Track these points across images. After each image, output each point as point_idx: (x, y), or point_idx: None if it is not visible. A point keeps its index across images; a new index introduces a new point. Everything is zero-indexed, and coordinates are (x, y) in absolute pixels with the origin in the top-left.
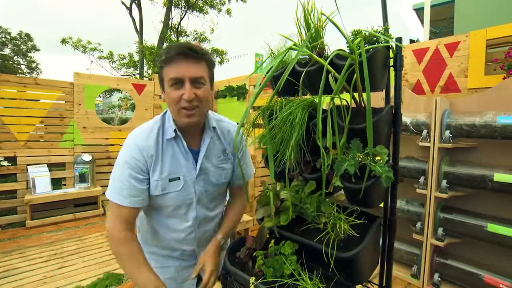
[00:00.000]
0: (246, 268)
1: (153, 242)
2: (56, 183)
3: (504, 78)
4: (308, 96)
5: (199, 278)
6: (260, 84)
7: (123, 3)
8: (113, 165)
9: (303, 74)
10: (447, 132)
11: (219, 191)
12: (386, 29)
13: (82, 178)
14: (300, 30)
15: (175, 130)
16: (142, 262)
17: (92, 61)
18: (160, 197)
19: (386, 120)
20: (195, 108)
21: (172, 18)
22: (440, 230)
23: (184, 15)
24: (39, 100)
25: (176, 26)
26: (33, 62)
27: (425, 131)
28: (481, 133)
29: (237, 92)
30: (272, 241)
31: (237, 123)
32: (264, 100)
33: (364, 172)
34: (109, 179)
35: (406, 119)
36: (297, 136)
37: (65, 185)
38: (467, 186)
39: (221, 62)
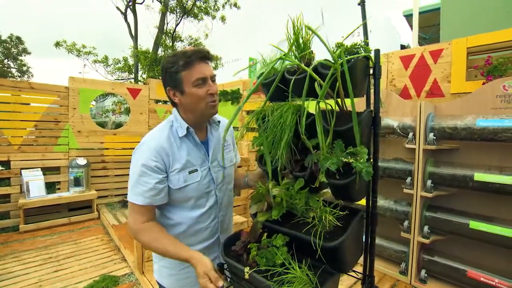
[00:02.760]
0: (241, 260)
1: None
2: (50, 187)
3: (483, 84)
4: (297, 101)
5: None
6: (252, 88)
7: (118, 8)
8: (107, 169)
9: (292, 81)
10: (431, 135)
11: (230, 173)
12: (366, 43)
13: (77, 182)
14: (290, 42)
15: (187, 128)
16: (172, 240)
17: (85, 65)
18: (183, 189)
19: (366, 123)
20: (216, 100)
21: (168, 23)
22: (426, 228)
23: (180, 21)
24: (29, 104)
25: (172, 32)
26: (24, 65)
27: (411, 134)
28: (462, 135)
29: (231, 96)
30: (265, 234)
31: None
32: (255, 104)
33: (347, 169)
34: (104, 183)
35: (394, 122)
36: (287, 138)
37: (59, 189)
38: (450, 185)
39: (215, 68)
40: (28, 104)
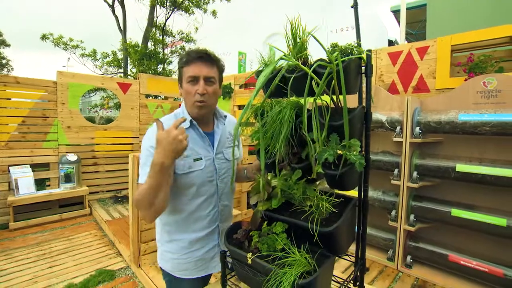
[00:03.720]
0: (242, 247)
1: (180, 229)
2: (40, 184)
3: (465, 80)
4: (294, 98)
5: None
6: (243, 81)
7: (105, 1)
8: (98, 164)
9: (291, 79)
10: (417, 128)
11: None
12: (359, 44)
13: (67, 178)
14: (288, 42)
15: (190, 121)
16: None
17: (69, 58)
18: (186, 175)
19: (358, 118)
20: (205, 102)
21: (157, 17)
22: (412, 217)
23: (170, 14)
24: (10, 99)
25: (162, 26)
26: (3, 58)
27: (398, 128)
28: (446, 129)
29: (223, 91)
30: (265, 223)
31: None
32: (247, 99)
33: (341, 161)
34: (95, 179)
35: (382, 117)
36: (286, 132)
37: (49, 185)
38: (435, 176)
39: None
40: (9, 99)
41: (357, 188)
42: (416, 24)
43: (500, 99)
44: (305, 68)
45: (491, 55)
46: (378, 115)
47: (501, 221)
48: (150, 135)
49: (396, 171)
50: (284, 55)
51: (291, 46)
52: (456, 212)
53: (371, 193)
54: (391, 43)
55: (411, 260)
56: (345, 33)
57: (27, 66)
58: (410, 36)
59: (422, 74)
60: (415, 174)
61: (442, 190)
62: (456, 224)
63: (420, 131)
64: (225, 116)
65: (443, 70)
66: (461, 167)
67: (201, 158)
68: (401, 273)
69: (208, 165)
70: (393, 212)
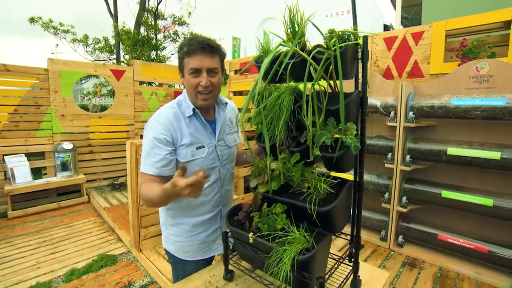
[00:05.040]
0: (244, 228)
1: (183, 213)
2: (36, 172)
3: (459, 65)
4: (293, 83)
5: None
6: (244, 68)
7: None
8: (94, 152)
9: (290, 65)
10: (411, 113)
11: (233, 152)
12: (355, 29)
13: (64, 167)
14: (287, 28)
15: (193, 109)
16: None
17: (57, 45)
18: (189, 163)
19: (355, 102)
20: (210, 93)
21: (149, 1)
22: (404, 199)
23: None
24: (6, 87)
25: (154, 10)
26: None
27: (392, 113)
28: (438, 113)
29: None
30: (265, 204)
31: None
32: (246, 85)
33: (337, 144)
34: (92, 166)
35: (377, 102)
36: (285, 117)
37: (45, 174)
38: (427, 159)
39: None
40: (5, 87)
41: (353, 170)
42: (412, 8)
43: (491, 83)
44: (304, 54)
45: (484, 40)
46: (373, 100)
47: (488, 201)
48: (153, 125)
49: (390, 155)
50: (283, 41)
51: (289, 32)
52: (446, 193)
53: (366, 177)
54: (386, 27)
55: (403, 240)
56: (341, 18)
57: (14, 54)
58: (406, 21)
59: (417, 59)
60: (408, 157)
61: (433, 172)
62: (446, 205)
63: (414, 116)
64: (226, 103)
65: (438, 55)
66: (452, 151)
67: (203, 146)
68: (393, 252)
69: (211, 152)
70: (386, 195)
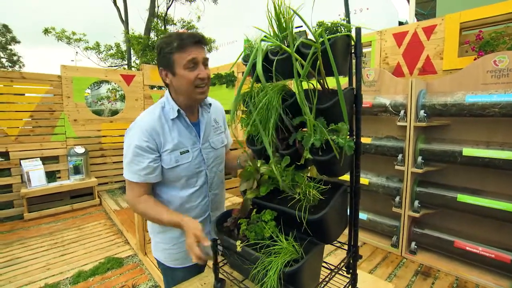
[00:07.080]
0: (232, 235)
1: None
2: (51, 176)
3: (475, 59)
4: (280, 82)
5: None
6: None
7: None
8: (106, 156)
9: (275, 61)
10: (422, 112)
11: (221, 154)
12: (348, 21)
13: (76, 170)
14: (271, 22)
15: (178, 110)
16: (166, 208)
17: (77, 53)
18: (174, 169)
19: (347, 100)
20: (206, 85)
21: (158, 6)
22: (416, 203)
23: (171, 3)
24: (24, 94)
25: (163, 15)
26: (14, 55)
27: (402, 112)
28: (452, 111)
29: (226, 79)
30: (255, 210)
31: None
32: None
33: (330, 146)
34: (103, 170)
35: (386, 100)
36: (275, 118)
37: (59, 177)
38: (440, 161)
39: (209, 50)
40: (22, 94)
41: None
42: (428, 4)
43: (511, 78)
44: (288, 49)
45: (503, 31)
46: (382, 99)
47: (509, 206)
48: (136, 132)
49: (400, 156)
50: (265, 36)
51: (274, 27)
52: (462, 197)
53: (375, 179)
54: (401, 24)
55: (416, 247)
56: (359, 15)
57: (37, 62)
58: (421, 17)
59: (429, 54)
60: (419, 159)
61: (448, 175)
62: (462, 209)
63: (425, 115)
64: (210, 104)
65: (451, 49)
66: (468, 151)
67: (188, 151)
68: (405, 259)
69: (196, 156)
70: (397, 198)
